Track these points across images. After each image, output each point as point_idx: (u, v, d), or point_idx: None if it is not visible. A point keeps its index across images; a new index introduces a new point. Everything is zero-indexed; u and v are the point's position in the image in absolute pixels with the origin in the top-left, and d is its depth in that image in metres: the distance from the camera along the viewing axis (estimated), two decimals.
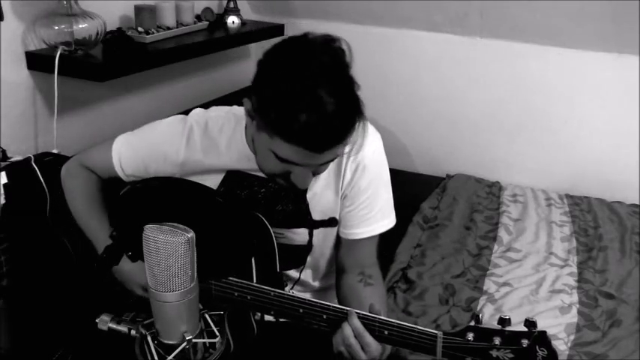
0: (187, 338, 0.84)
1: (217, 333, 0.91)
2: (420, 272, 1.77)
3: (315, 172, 0.98)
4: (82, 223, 1.17)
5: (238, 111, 1.11)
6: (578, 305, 1.64)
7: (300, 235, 1.13)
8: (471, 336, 0.87)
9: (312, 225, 1.12)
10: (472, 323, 0.88)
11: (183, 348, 0.84)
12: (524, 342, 0.85)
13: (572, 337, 1.51)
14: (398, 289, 1.70)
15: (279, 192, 1.09)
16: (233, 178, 1.09)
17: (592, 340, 1.51)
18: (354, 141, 1.02)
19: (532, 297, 1.67)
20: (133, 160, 1.13)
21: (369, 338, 0.91)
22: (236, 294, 0.99)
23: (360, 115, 0.90)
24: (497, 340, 0.86)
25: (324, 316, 0.95)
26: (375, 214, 1.12)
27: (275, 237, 1.06)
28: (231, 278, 1.00)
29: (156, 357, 0.85)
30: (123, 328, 0.93)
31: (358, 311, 0.93)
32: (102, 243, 1.09)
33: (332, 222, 1.13)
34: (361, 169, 1.07)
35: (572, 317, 1.59)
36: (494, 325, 0.87)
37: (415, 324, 1.52)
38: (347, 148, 1.04)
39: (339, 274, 1.17)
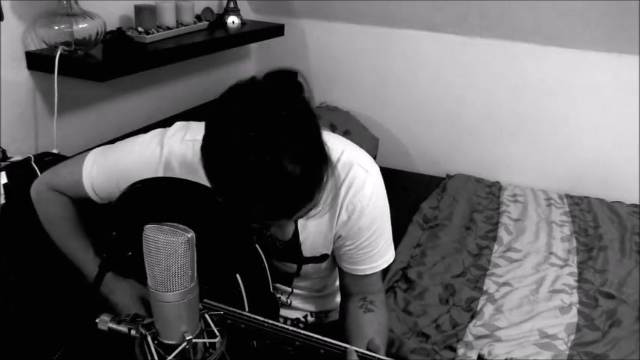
0: (187, 338, 0.84)
1: (217, 333, 0.91)
2: (420, 272, 1.77)
3: (297, 219, 0.94)
4: (65, 250, 1.12)
5: None
6: (578, 305, 1.64)
7: (288, 266, 1.11)
8: None
9: (302, 261, 1.10)
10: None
11: (183, 348, 0.84)
12: None
13: (572, 337, 1.51)
14: (398, 289, 1.70)
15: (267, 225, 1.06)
16: None
17: (592, 340, 1.51)
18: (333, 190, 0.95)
19: (532, 297, 1.67)
20: (106, 183, 1.04)
21: None
22: (229, 321, 0.96)
23: (326, 168, 0.79)
24: None
25: (322, 351, 0.91)
26: (378, 251, 1.07)
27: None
28: (224, 306, 0.97)
29: (156, 357, 0.85)
30: (123, 328, 0.93)
31: (357, 349, 0.90)
32: (88, 264, 1.07)
33: (322, 258, 1.10)
34: (359, 210, 1.01)
35: (572, 317, 1.59)
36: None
37: (415, 324, 1.54)
38: (343, 190, 0.99)
39: (343, 297, 1.15)
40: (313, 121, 0.76)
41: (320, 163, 0.77)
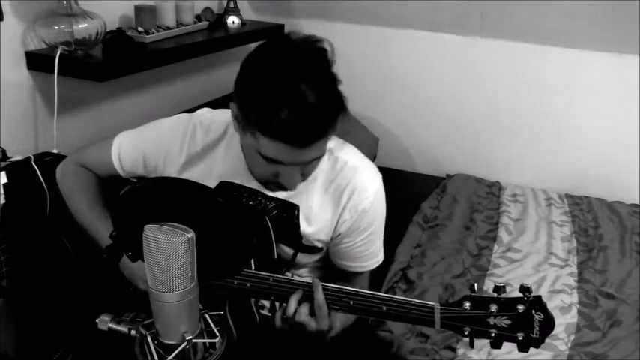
0: (187, 338, 0.85)
1: (217, 333, 0.91)
2: (420, 272, 1.77)
3: (304, 174, 0.97)
4: (84, 222, 1.16)
5: None
6: (578, 305, 1.64)
7: (284, 251, 1.14)
8: (467, 305, 0.89)
9: (298, 247, 1.13)
10: (468, 293, 0.90)
11: (183, 348, 0.85)
12: (520, 307, 0.86)
13: (572, 337, 1.51)
14: (398, 289, 1.70)
15: (269, 209, 1.09)
16: (224, 188, 1.09)
17: (592, 340, 1.51)
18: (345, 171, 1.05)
19: None
20: (133, 156, 1.12)
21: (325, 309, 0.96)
22: (235, 282, 1.00)
23: (343, 109, 0.90)
24: (493, 308, 0.88)
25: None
26: (371, 252, 1.15)
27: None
28: None
29: (156, 357, 0.85)
30: (123, 328, 0.93)
31: (350, 288, 0.96)
32: (105, 241, 1.10)
33: (317, 250, 1.15)
34: (362, 212, 1.08)
35: (572, 317, 1.59)
36: (489, 293, 0.89)
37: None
38: (347, 192, 1.06)
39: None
40: (330, 67, 0.90)
41: (335, 95, 0.89)
